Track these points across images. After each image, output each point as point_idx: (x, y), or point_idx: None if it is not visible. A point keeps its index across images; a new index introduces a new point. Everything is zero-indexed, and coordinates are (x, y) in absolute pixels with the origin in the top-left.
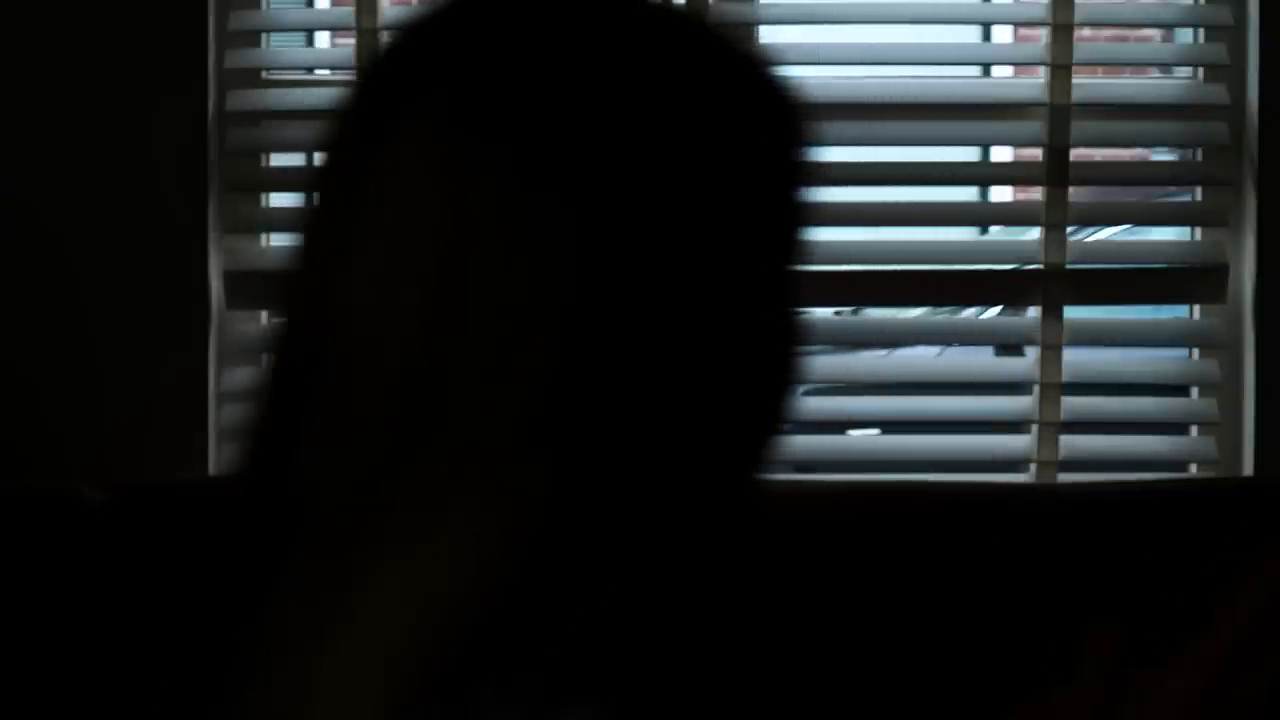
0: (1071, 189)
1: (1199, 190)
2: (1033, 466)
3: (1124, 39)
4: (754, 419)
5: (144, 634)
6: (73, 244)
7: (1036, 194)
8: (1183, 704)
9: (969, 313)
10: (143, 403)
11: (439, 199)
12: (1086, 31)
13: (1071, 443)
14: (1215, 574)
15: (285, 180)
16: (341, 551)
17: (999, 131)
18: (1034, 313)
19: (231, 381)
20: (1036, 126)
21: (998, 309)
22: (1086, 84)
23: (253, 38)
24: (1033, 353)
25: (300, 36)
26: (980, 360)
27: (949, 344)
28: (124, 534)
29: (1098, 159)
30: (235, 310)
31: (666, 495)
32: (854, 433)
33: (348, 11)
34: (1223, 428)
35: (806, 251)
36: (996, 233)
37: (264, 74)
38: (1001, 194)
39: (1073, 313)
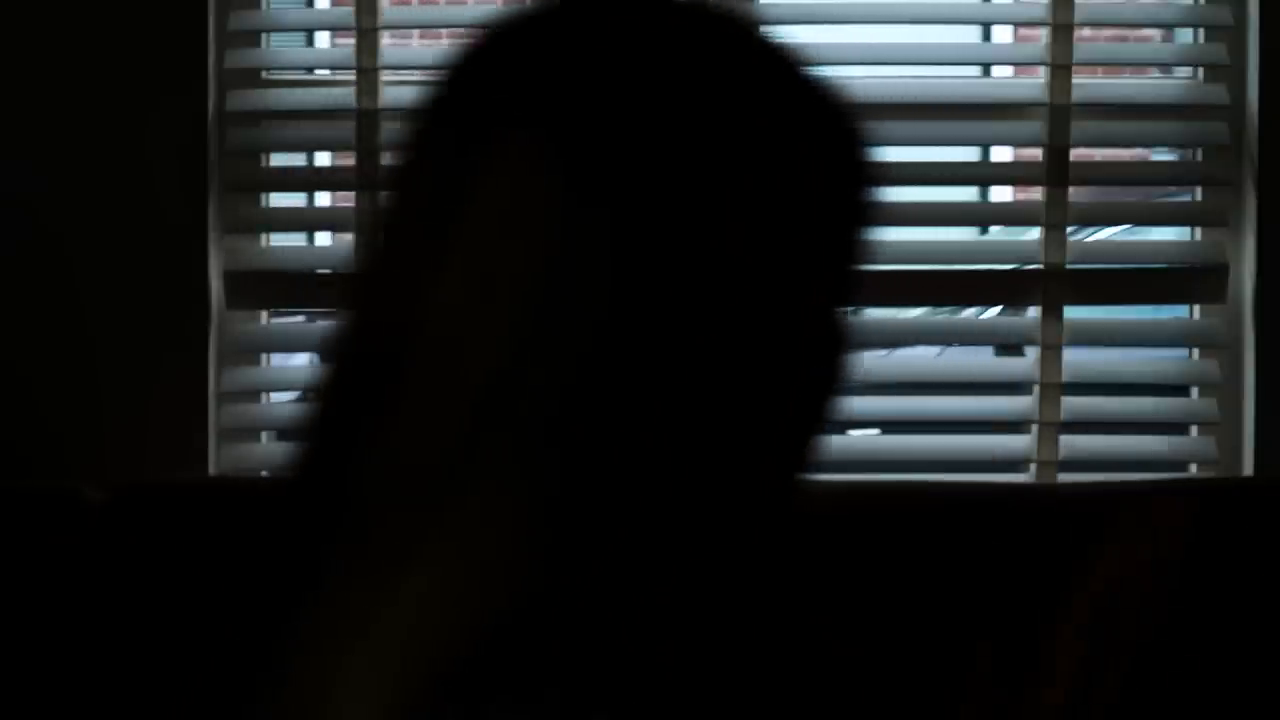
0: (1071, 189)
1: (1199, 190)
2: (1033, 466)
3: (1124, 39)
4: (801, 423)
5: (144, 634)
6: (73, 244)
7: (1036, 194)
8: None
9: (969, 313)
10: (143, 403)
11: (540, 221)
12: (1086, 31)
13: (1071, 443)
14: (1215, 574)
15: (285, 180)
16: (378, 555)
17: (999, 131)
18: (1034, 313)
19: (231, 381)
20: (1036, 126)
21: (998, 309)
22: (1086, 84)
23: (253, 38)
24: (1033, 353)
25: (300, 36)
26: (980, 360)
27: (949, 344)
28: (124, 534)
29: (1098, 159)
30: (235, 310)
31: (713, 503)
32: (854, 433)
33: (348, 11)
34: (1223, 428)
35: (864, 255)
36: (996, 233)
37: (264, 74)
38: (1001, 194)
39: (1073, 313)
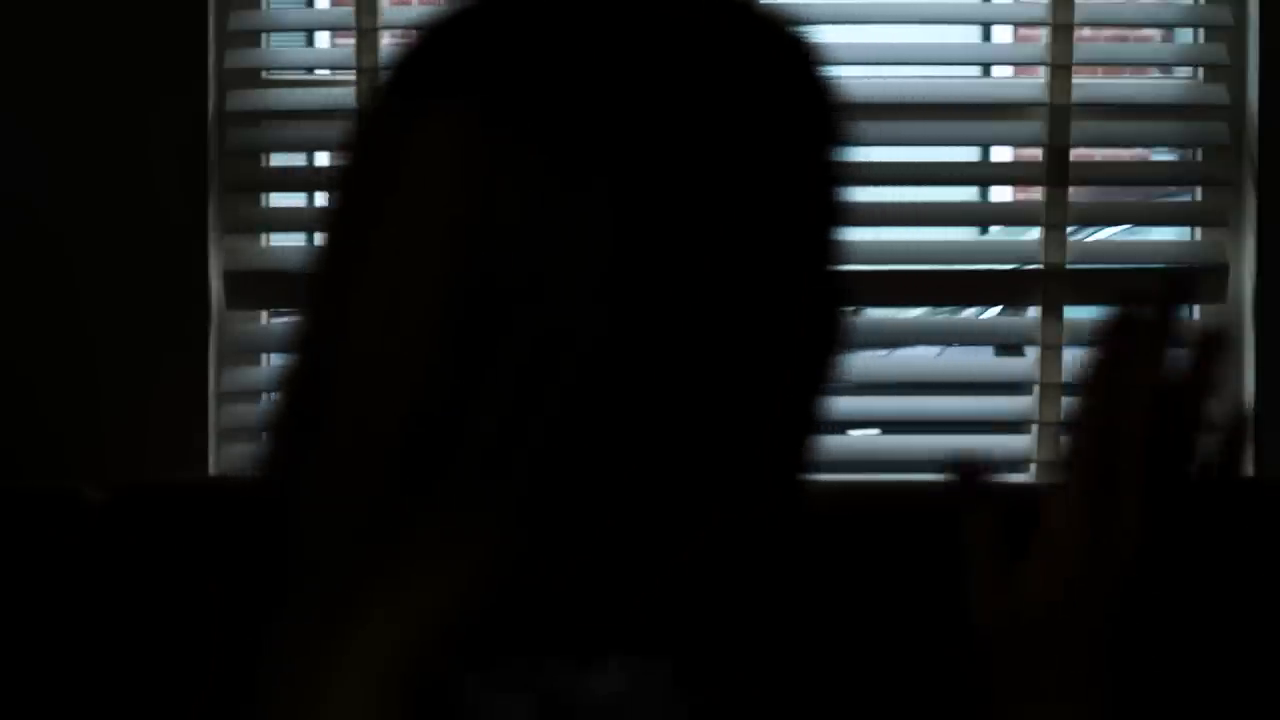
0: (1071, 189)
1: (1199, 190)
2: (1033, 466)
3: (1124, 39)
4: (793, 420)
5: (144, 634)
6: (73, 244)
7: (1036, 194)
8: None
9: (969, 313)
10: (143, 403)
11: (460, 200)
12: (1086, 31)
13: None
14: (1215, 574)
15: (285, 180)
16: (343, 566)
17: (999, 131)
18: (1034, 313)
19: (231, 381)
20: (1036, 126)
21: (998, 309)
22: (1086, 84)
23: (253, 38)
24: (1033, 353)
25: (300, 36)
26: (980, 360)
27: (949, 344)
28: (124, 534)
29: (1098, 159)
30: (235, 310)
31: (704, 502)
32: (854, 433)
33: (348, 11)
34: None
35: (845, 249)
36: (996, 233)
37: (264, 74)
38: (1001, 194)
39: (1073, 313)
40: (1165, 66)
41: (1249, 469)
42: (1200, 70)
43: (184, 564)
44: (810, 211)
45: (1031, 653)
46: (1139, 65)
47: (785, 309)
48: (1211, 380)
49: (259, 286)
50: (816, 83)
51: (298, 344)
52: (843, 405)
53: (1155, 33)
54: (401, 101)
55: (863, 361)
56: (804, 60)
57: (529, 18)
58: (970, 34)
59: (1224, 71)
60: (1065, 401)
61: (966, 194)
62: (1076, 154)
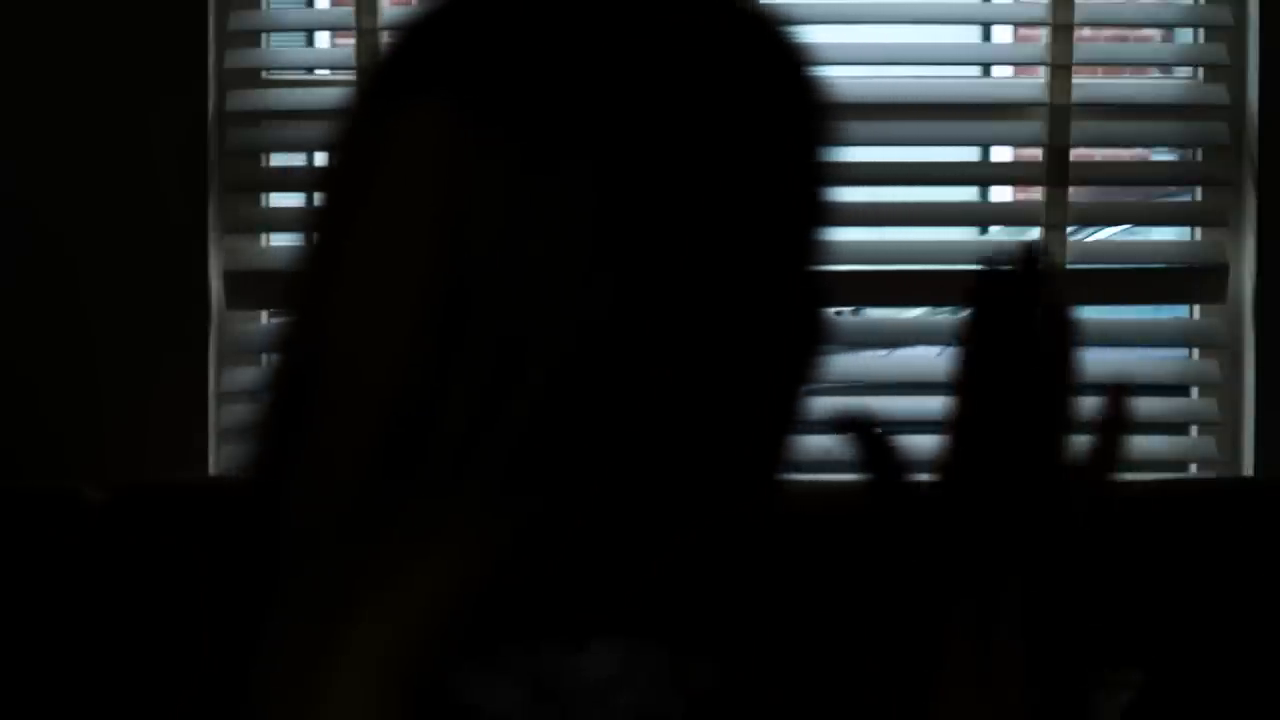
0: (1071, 189)
1: (1199, 190)
2: None
3: (1124, 39)
4: (773, 419)
5: (144, 633)
6: (73, 244)
7: (1036, 194)
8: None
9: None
10: (143, 403)
11: (439, 196)
12: (1086, 31)
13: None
14: (1214, 574)
15: (285, 180)
16: (333, 564)
17: (999, 131)
18: None
19: (231, 381)
20: (1036, 126)
21: None
22: (1086, 84)
23: (253, 38)
24: None
25: (300, 36)
26: None
27: (949, 344)
28: (124, 534)
29: (1098, 159)
30: (235, 310)
31: (687, 484)
32: None
33: (348, 11)
34: (1223, 428)
35: (828, 247)
36: (996, 233)
37: (264, 74)
38: (1001, 194)
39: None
40: (1165, 66)
41: (1249, 469)
42: (1200, 70)
43: (184, 564)
44: (792, 209)
45: None
46: (1139, 65)
47: (766, 305)
48: (1073, 363)
49: (259, 286)
50: (801, 80)
51: (282, 343)
52: (842, 405)
53: (1155, 33)
54: (381, 100)
55: (863, 361)
56: (789, 58)
57: (509, 14)
58: (970, 34)
59: (1224, 71)
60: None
61: (966, 194)
62: (1076, 154)
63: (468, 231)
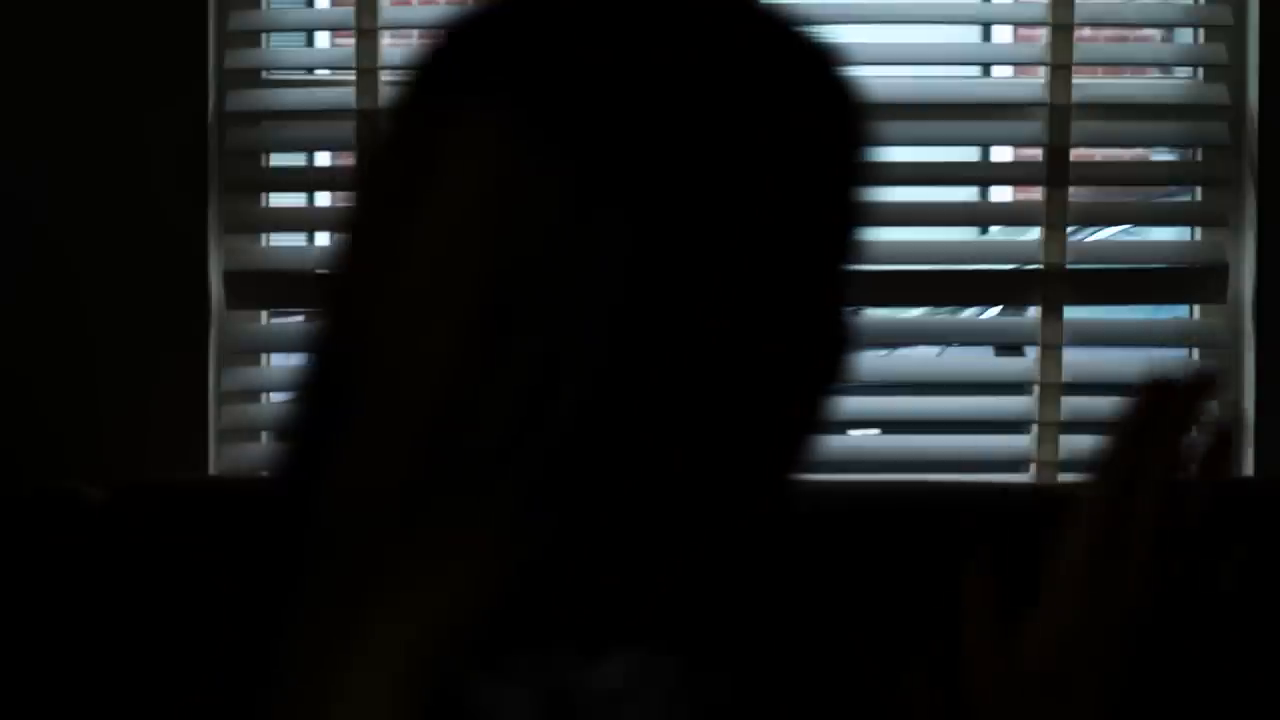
0: (1071, 189)
1: (1199, 190)
2: (1033, 466)
3: (1124, 39)
4: (797, 427)
5: (144, 633)
6: (72, 244)
7: (1036, 194)
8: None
9: (969, 313)
10: (143, 403)
11: (496, 203)
12: (1086, 31)
13: (1071, 443)
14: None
15: (285, 180)
16: (358, 566)
17: (999, 131)
18: (1034, 313)
19: (231, 381)
20: (1036, 126)
21: (998, 309)
22: (1086, 84)
23: (253, 38)
24: (1033, 353)
25: (300, 36)
26: (980, 360)
27: (949, 344)
28: (124, 534)
29: (1098, 159)
30: (235, 310)
31: (711, 495)
32: (854, 433)
33: (348, 11)
34: None
35: (861, 254)
36: (996, 233)
37: (264, 74)
38: (1001, 194)
39: (1073, 313)
40: (1165, 66)
41: (1249, 469)
42: (1200, 70)
43: (184, 564)
44: (831, 222)
45: (1030, 714)
46: (1139, 65)
47: (801, 317)
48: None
49: (259, 286)
50: (843, 95)
51: (318, 342)
52: (843, 405)
53: (1155, 33)
54: (433, 102)
55: (863, 361)
56: (832, 74)
57: (557, 16)
58: (970, 34)
59: (1224, 71)
60: (1065, 401)
61: (966, 194)
62: (1076, 154)
63: (519, 239)
